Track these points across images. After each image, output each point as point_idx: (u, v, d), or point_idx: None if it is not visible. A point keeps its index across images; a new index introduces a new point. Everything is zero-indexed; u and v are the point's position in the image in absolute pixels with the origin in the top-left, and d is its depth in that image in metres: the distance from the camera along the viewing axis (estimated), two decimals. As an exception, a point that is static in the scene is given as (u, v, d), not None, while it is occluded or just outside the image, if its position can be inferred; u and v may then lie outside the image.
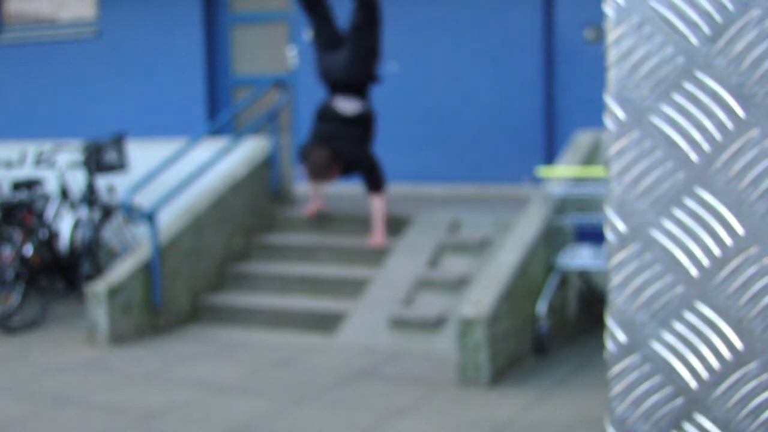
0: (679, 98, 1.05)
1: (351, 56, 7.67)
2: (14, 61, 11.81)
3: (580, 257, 6.41)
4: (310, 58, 10.29)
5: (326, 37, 7.84)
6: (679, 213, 1.06)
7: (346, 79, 7.68)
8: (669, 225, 1.06)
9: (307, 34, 7.99)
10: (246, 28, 10.84)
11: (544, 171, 7.08)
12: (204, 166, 7.91)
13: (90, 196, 8.32)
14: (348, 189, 9.74)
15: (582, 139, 7.29)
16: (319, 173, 7.57)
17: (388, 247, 7.49)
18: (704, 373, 1.05)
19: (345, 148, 7.58)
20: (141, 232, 8.30)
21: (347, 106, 7.66)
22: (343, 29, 7.89)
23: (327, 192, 8.33)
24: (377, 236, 7.53)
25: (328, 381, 5.89)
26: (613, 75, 1.08)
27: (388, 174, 9.88)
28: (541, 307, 6.23)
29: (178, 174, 7.87)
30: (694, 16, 1.04)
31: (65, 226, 8.47)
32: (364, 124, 7.71)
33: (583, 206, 6.67)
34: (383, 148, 9.89)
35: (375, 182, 7.62)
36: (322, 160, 7.50)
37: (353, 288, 7.27)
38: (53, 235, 8.23)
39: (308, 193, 8.26)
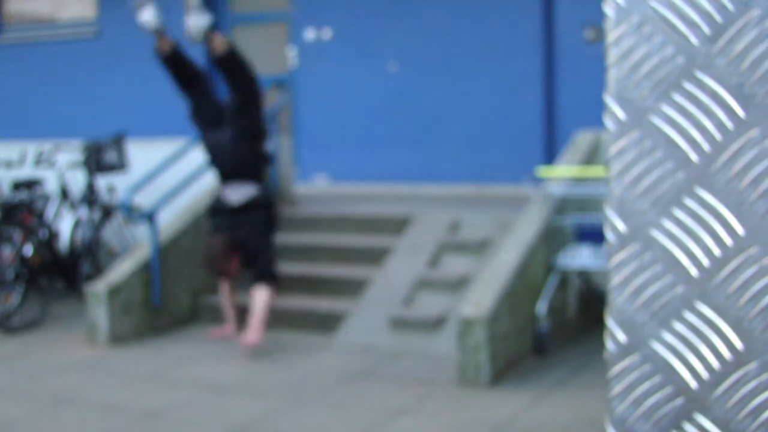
0: (679, 98, 1.05)
1: (235, 137, 6.81)
2: (14, 61, 11.81)
3: (580, 257, 6.41)
4: (310, 58, 10.31)
5: (207, 113, 6.96)
6: (679, 213, 1.06)
7: (234, 163, 6.83)
8: (669, 225, 1.06)
9: (187, 109, 7.05)
10: (246, 28, 10.84)
11: (544, 171, 7.08)
12: (204, 166, 7.91)
13: (90, 196, 8.32)
14: (345, 189, 9.75)
15: (582, 139, 7.29)
16: (215, 265, 6.87)
17: (390, 247, 7.49)
18: (704, 373, 1.05)
19: (241, 235, 6.79)
20: (141, 232, 8.30)
21: (235, 195, 6.79)
22: (225, 102, 6.99)
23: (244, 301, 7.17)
24: (252, 333, 6.53)
25: (328, 381, 5.89)
26: (613, 75, 1.08)
27: (388, 173, 9.89)
28: (541, 307, 6.23)
29: (178, 174, 7.87)
30: (694, 16, 1.04)
31: (65, 226, 8.47)
32: (259, 209, 6.82)
33: (583, 206, 6.67)
34: (384, 148, 9.91)
35: (263, 272, 6.74)
36: (218, 250, 6.81)
37: (353, 288, 7.27)
38: (53, 235, 8.23)
39: (223, 306, 7.18)
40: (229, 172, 6.84)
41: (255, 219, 6.80)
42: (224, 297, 7.00)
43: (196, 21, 6.58)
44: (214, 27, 6.64)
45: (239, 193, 6.79)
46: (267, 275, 6.72)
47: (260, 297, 6.63)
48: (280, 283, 6.86)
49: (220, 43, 6.63)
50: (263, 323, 6.59)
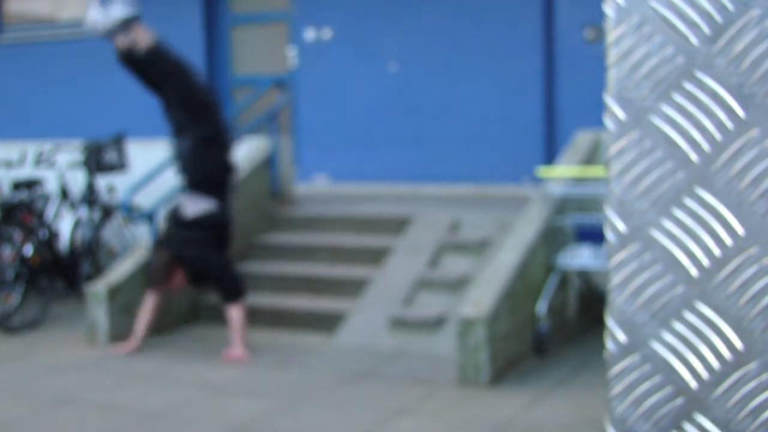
0: (679, 98, 1.05)
1: (193, 144, 6.39)
2: (14, 61, 11.81)
3: (580, 257, 6.41)
4: (310, 58, 10.31)
5: (174, 119, 6.50)
6: (679, 213, 1.06)
7: (193, 172, 6.43)
8: (669, 225, 1.06)
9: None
10: (246, 28, 10.84)
11: (544, 171, 7.08)
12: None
13: (90, 196, 8.32)
14: (345, 189, 9.75)
15: (582, 139, 7.29)
16: (156, 281, 6.62)
17: (390, 247, 7.48)
18: (704, 373, 1.05)
19: (186, 252, 6.48)
20: (141, 232, 8.30)
21: (188, 207, 6.43)
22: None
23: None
24: (234, 349, 6.46)
25: (328, 381, 5.89)
26: (613, 75, 1.08)
27: (388, 173, 9.89)
28: (541, 307, 6.23)
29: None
30: (694, 16, 1.04)
31: (65, 226, 8.47)
32: (212, 226, 6.46)
33: (583, 206, 6.67)
34: (384, 148, 9.91)
35: (226, 292, 6.51)
36: (159, 264, 6.55)
37: (353, 288, 7.27)
38: (53, 235, 8.23)
39: (139, 318, 6.81)
40: (188, 182, 6.48)
41: (205, 238, 6.45)
42: (145, 309, 6.73)
43: (106, 12, 6.12)
44: (133, 20, 6.15)
45: (194, 207, 6.41)
46: (231, 295, 6.49)
47: (233, 315, 6.48)
48: (246, 288, 6.62)
49: (141, 37, 6.17)
50: (242, 339, 6.48)
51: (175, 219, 6.56)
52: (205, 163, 6.46)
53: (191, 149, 6.41)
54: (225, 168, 6.53)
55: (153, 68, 6.34)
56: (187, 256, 6.51)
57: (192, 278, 6.62)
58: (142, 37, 6.30)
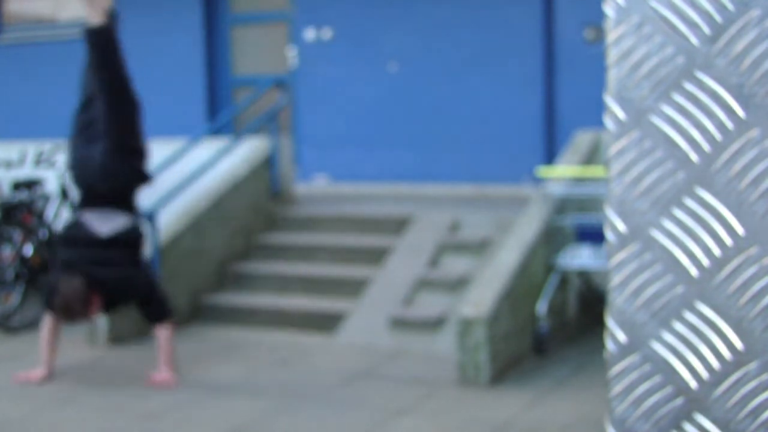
0: (679, 98, 1.05)
1: (107, 151, 5.77)
2: (14, 61, 11.81)
3: (580, 257, 6.41)
4: (310, 58, 10.31)
5: (83, 121, 5.93)
6: (679, 213, 1.06)
7: (105, 183, 5.83)
8: (669, 225, 1.06)
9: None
10: (246, 28, 10.84)
11: (544, 171, 7.08)
12: (204, 166, 7.91)
13: (90, 196, 8.32)
14: (345, 189, 9.75)
15: (582, 139, 7.29)
16: (72, 310, 5.69)
17: (390, 247, 7.48)
18: (704, 373, 1.05)
19: (108, 274, 5.76)
20: (141, 232, 8.29)
21: (104, 225, 5.81)
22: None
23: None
24: (161, 373, 5.92)
25: (328, 381, 5.89)
26: (613, 75, 1.08)
27: (388, 173, 9.89)
28: (541, 307, 6.23)
29: (178, 174, 7.86)
30: (694, 16, 1.04)
31: (65, 226, 8.46)
32: (129, 243, 5.88)
33: (583, 206, 6.67)
34: (384, 148, 9.91)
35: (155, 311, 5.95)
36: (75, 292, 5.63)
37: (353, 288, 7.27)
38: (53, 235, 8.22)
39: (41, 350, 6.07)
40: (97, 195, 5.87)
41: (125, 254, 5.87)
42: (46, 336, 6.05)
43: None
44: None
45: (110, 224, 5.84)
46: (160, 315, 5.97)
47: (162, 336, 5.97)
48: (172, 308, 6.14)
49: (98, 7, 5.68)
50: (171, 361, 5.98)
51: (86, 239, 5.84)
52: (121, 171, 5.89)
53: (106, 155, 5.80)
54: (140, 178, 6.00)
55: (117, 52, 5.89)
56: (109, 279, 5.79)
57: (108, 303, 5.90)
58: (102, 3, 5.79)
